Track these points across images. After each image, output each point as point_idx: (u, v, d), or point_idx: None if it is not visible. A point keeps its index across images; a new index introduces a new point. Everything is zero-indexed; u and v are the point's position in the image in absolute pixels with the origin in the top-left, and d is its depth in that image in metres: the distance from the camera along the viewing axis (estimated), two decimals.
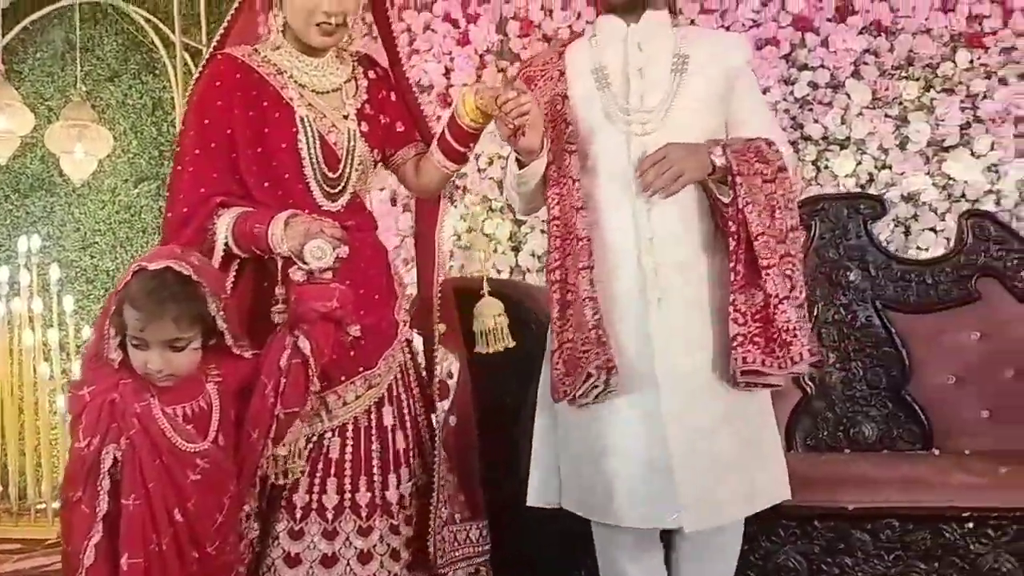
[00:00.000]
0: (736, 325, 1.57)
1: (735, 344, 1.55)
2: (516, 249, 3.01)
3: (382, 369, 1.67)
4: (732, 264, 1.59)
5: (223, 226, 1.56)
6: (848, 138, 2.77)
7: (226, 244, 1.56)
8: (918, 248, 2.68)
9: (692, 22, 2.83)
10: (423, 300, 1.83)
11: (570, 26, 2.99)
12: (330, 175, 1.65)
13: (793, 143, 2.79)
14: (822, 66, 2.79)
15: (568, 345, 1.61)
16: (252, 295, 1.62)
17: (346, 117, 1.68)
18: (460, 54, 3.05)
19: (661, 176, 1.58)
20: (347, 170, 1.67)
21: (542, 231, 2.94)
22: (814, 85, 2.80)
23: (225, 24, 1.71)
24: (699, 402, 1.57)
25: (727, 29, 2.83)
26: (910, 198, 2.72)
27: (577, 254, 1.64)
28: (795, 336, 1.51)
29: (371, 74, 1.75)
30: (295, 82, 1.65)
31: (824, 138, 2.80)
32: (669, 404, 1.55)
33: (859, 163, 2.77)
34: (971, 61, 2.68)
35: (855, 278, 2.25)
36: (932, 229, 2.69)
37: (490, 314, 1.75)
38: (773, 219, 1.58)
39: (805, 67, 2.81)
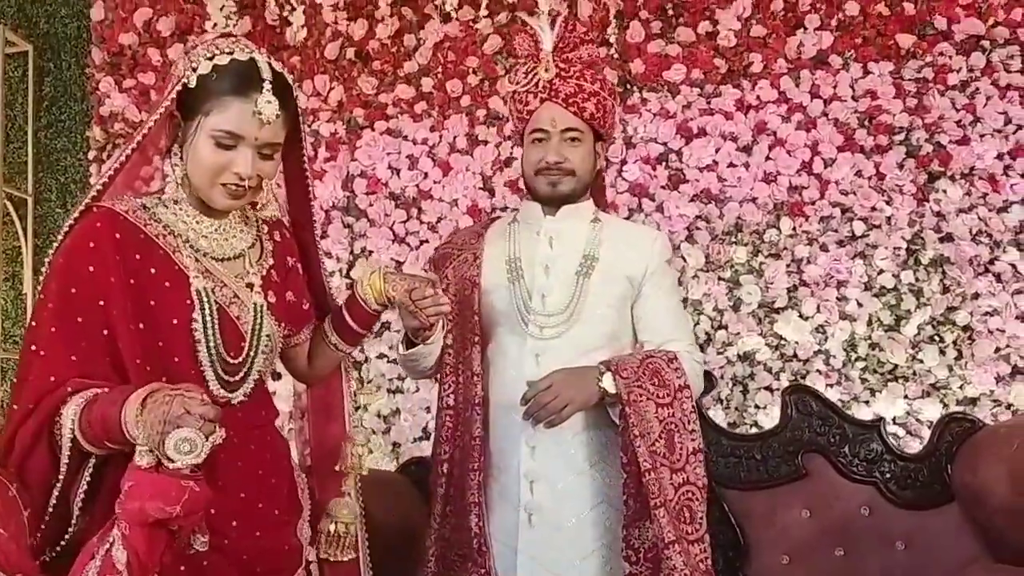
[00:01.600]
0: (628, 564, 1.53)
1: None
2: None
3: None
4: (624, 497, 1.55)
5: (69, 416, 1.21)
6: (686, 299, 2.84)
7: (73, 439, 1.21)
8: (756, 407, 2.75)
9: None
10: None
11: (417, 185, 2.99)
12: (230, 360, 1.36)
13: None
14: (658, 230, 2.88)
15: (443, 544, 1.53)
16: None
17: (251, 287, 1.41)
18: None
19: (545, 408, 1.55)
20: (252, 353, 1.39)
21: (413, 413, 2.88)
22: None
23: (112, 169, 1.39)
24: None
25: None
26: (745, 357, 2.81)
27: (468, 452, 1.59)
28: None
29: (276, 236, 1.50)
30: (190, 246, 1.38)
31: None
32: None
33: (697, 323, 2.84)
34: (794, 228, 2.82)
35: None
36: (768, 388, 2.77)
37: (346, 518, 1.50)
38: (671, 446, 1.53)
39: None
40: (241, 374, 1.38)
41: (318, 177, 3.02)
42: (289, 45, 3.11)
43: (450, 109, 3.00)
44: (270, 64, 1.35)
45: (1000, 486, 1.80)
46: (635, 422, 1.54)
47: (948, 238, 2.73)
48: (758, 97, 2.86)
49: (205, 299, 1.35)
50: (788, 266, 2.81)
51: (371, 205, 3.03)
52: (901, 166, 2.77)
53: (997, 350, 2.66)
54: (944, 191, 2.74)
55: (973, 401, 2.65)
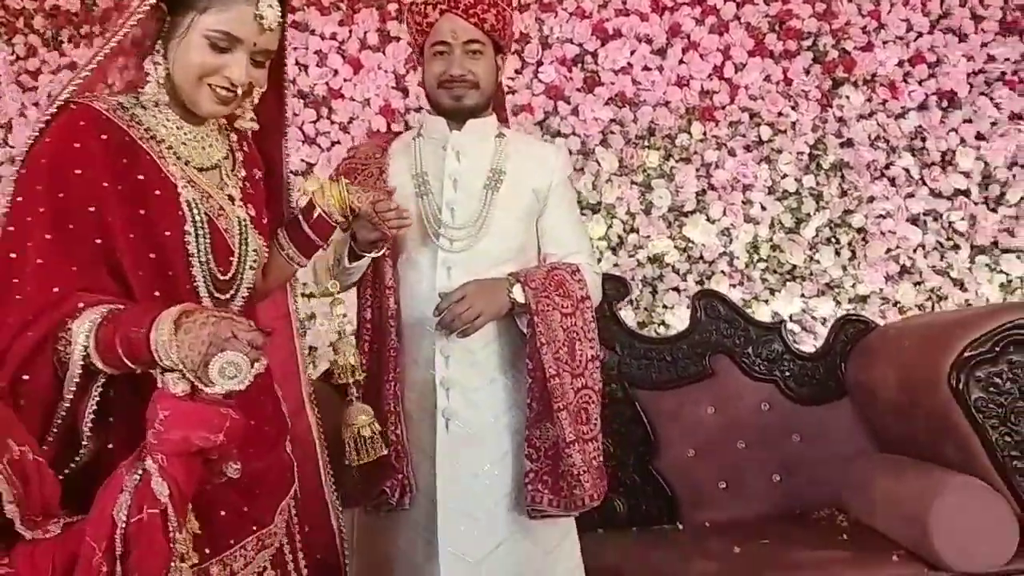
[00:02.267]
0: (529, 461, 1.62)
1: (527, 481, 1.61)
2: None
3: (278, 525, 1.33)
4: (528, 400, 1.62)
5: (82, 331, 1.10)
6: (599, 203, 2.88)
7: (85, 356, 1.10)
8: (664, 307, 2.86)
9: None
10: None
11: (327, 83, 2.87)
12: (220, 276, 1.28)
13: None
14: (573, 133, 2.88)
15: None
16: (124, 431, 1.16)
17: (232, 200, 1.32)
18: None
19: (459, 316, 1.59)
20: (241, 269, 1.31)
21: None
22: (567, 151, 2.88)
23: (93, 62, 1.24)
24: (481, 528, 1.62)
25: None
26: (655, 259, 2.89)
27: (384, 364, 1.62)
28: (579, 480, 1.57)
29: (244, 147, 1.41)
30: (173, 153, 1.26)
31: (578, 202, 2.89)
32: (449, 533, 1.60)
33: (610, 226, 2.89)
34: (704, 133, 2.87)
35: (602, 356, 2.36)
36: (675, 289, 2.87)
37: (364, 422, 1.50)
38: (573, 353, 1.62)
39: (558, 133, 2.88)
40: (232, 291, 1.31)
41: None
42: None
43: (360, 2, 2.86)
44: None
45: (888, 384, 1.96)
46: (542, 331, 1.61)
47: (848, 143, 2.84)
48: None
49: (196, 210, 1.25)
50: (698, 170, 2.87)
51: None
52: (807, 72, 2.84)
53: (888, 251, 2.82)
54: (847, 97, 2.83)
55: (864, 299, 2.83)
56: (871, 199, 2.83)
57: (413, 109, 2.86)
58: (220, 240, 1.28)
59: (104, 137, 1.20)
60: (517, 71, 2.87)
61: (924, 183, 2.83)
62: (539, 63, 2.87)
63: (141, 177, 1.22)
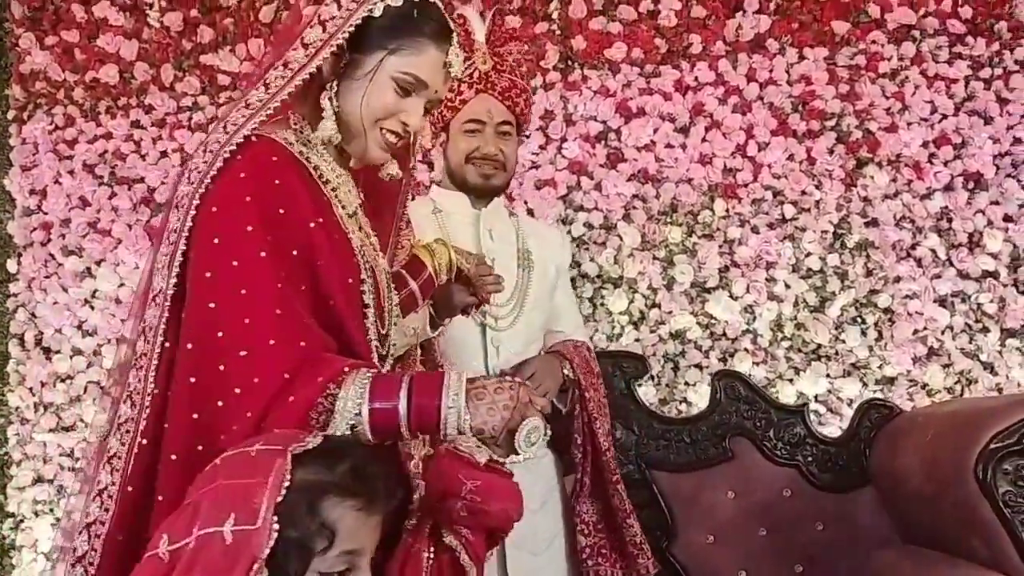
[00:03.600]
0: (583, 536, 1.62)
1: (584, 556, 1.61)
2: None
3: None
4: (579, 475, 1.64)
5: (351, 399, 1.02)
6: (621, 277, 2.88)
7: (353, 425, 1.02)
8: (686, 384, 2.82)
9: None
10: None
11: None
12: (381, 330, 1.22)
13: (572, 280, 2.88)
14: (596, 208, 2.90)
15: None
16: None
17: (375, 250, 1.26)
18: None
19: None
20: (392, 321, 1.26)
21: None
22: (589, 226, 2.89)
23: (278, 98, 1.15)
24: None
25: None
26: (677, 335, 2.86)
27: None
28: (642, 549, 1.58)
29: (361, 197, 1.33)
30: (336, 196, 1.21)
31: (599, 276, 2.90)
32: None
33: (631, 301, 2.88)
34: (727, 210, 2.87)
35: (620, 436, 2.32)
36: (697, 366, 2.83)
37: None
38: (610, 430, 1.64)
39: (581, 208, 2.90)
40: (387, 346, 1.25)
41: None
42: (222, 6, 2.97)
43: None
44: (453, 19, 1.25)
45: (913, 473, 1.89)
46: (593, 407, 1.62)
47: (873, 223, 2.81)
48: (696, 79, 2.88)
49: (363, 258, 1.19)
50: (720, 247, 2.86)
51: None
52: (831, 151, 2.84)
53: (915, 332, 2.77)
54: (871, 177, 2.82)
55: (891, 381, 2.77)
56: (897, 279, 2.79)
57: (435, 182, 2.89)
58: (377, 292, 1.21)
59: (294, 175, 1.13)
60: (541, 147, 2.91)
61: (951, 264, 2.79)
62: (563, 139, 2.91)
63: (321, 220, 1.14)
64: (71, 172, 2.99)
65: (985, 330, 2.78)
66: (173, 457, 1.03)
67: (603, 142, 2.91)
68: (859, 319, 2.80)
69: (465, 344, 1.69)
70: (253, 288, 1.05)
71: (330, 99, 1.19)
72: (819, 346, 2.80)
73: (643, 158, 2.88)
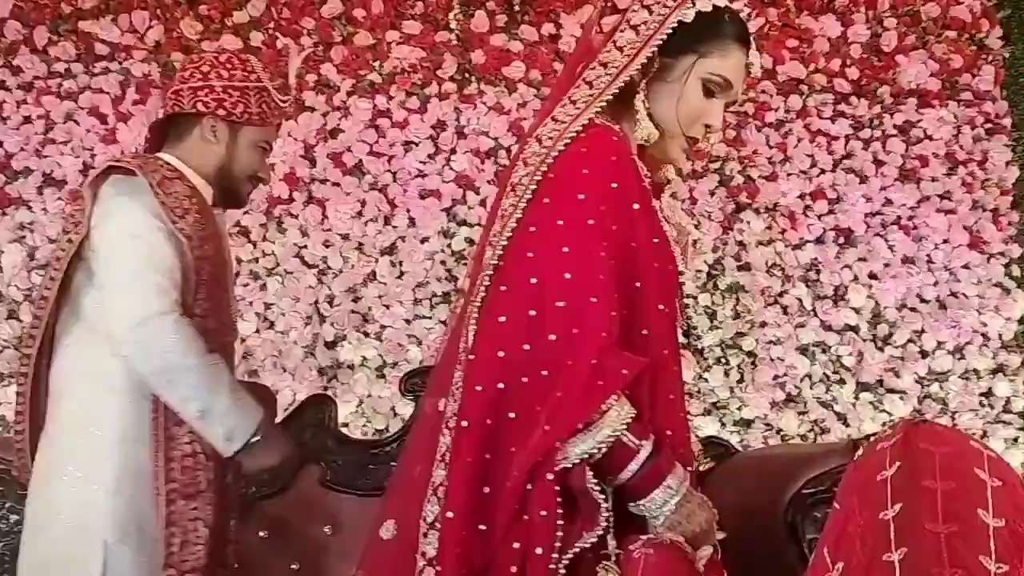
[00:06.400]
0: None
1: None
2: None
3: None
4: None
5: (607, 427, 1.11)
6: None
7: (599, 446, 1.11)
8: None
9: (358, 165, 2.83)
10: None
11: None
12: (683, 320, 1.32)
13: (446, 294, 2.85)
14: (480, 224, 2.87)
15: None
16: None
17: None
18: (103, 151, 2.77)
19: None
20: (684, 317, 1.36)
21: None
22: (471, 241, 2.86)
23: (609, 90, 1.23)
24: None
25: (394, 176, 2.85)
26: None
27: None
28: None
29: None
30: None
31: None
32: None
33: None
34: None
35: None
36: None
37: None
38: None
39: (464, 223, 2.87)
40: (688, 340, 1.35)
41: (123, 119, 2.80)
42: None
43: (278, 69, 2.86)
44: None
45: (735, 514, 1.91)
46: None
47: (746, 267, 2.87)
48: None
49: (680, 265, 1.28)
50: None
51: None
52: (712, 193, 2.89)
53: (775, 377, 2.83)
54: (748, 222, 2.87)
55: (748, 423, 2.82)
56: (763, 324, 2.85)
57: (318, 180, 2.83)
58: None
59: (632, 167, 1.22)
60: (430, 156, 2.87)
61: (816, 315, 2.87)
62: (453, 151, 2.88)
63: (640, 206, 1.22)
64: None
65: (842, 381, 2.85)
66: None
67: (493, 159, 2.90)
68: (723, 360, 2.84)
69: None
70: (577, 249, 1.14)
71: (643, 101, 1.25)
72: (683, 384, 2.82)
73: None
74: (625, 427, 1.12)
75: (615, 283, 1.16)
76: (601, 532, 1.12)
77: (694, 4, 1.25)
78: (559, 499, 1.10)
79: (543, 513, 1.09)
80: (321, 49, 2.87)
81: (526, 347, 1.12)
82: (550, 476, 1.09)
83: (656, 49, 1.25)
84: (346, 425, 2.61)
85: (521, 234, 1.18)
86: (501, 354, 1.12)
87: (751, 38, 1.32)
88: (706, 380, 2.82)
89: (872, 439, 1.08)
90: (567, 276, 1.13)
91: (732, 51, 1.27)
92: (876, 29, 2.97)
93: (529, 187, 1.20)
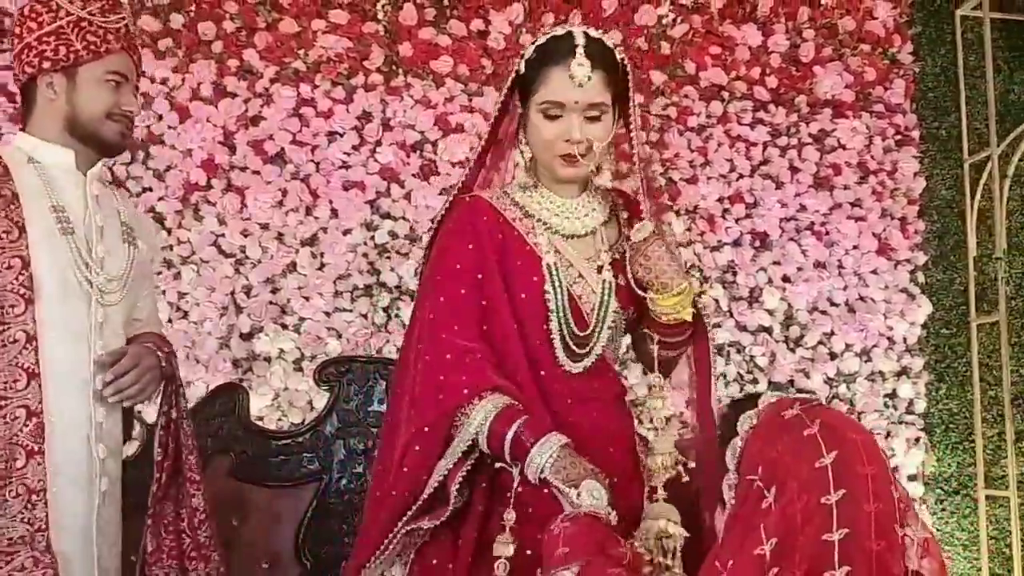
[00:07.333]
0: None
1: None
2: None
3: None
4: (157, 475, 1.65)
5: (480, 413, 1.35)
6: None
7: (474, 436, 1.35)
8: None
9: (280, 154, 2.78)
10: None
11: (148, 126, 2.75)
12: (578, 332, 1.48)
13: (368, 287, 2.81)
14: (403, 217, 2.86)
15: None
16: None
17: (600, 269, 1.51)
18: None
19: (134, 386, 1.56)
20: (597, 328, 1.50)
21: None
22: (394, 235, 2.84)
23: (472, 163, 1.59)
24: None
25: (317, 166, 2.80)
26: None
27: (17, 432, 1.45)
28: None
29: (624, 214, 1.62)
30: (544, 224, 1.50)
31: (398, 287, 2.85)
32: None
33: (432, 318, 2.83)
34: None
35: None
36: None
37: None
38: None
39: (388, 216, 2.85)
40: (587, 348, 1.48)
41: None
42: None
43: (198, 52, 2.79)
44: (585, 32, 1.43)
45: None
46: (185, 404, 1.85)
47: None
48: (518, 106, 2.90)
49: (555, 273, 1.47)
50: None
51: None
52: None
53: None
54: (669, 224, 2.92)
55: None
56: None
57: (238, 167, 2.77)
58: (574, 303, 1.48)
59: (485, 218, 1.49)
60: (355, 147, 2.84)
61: (732, 315, 2.94)
62: (378, 143, 2.85)
63: (510, 251, 1.48)
64: None
65: (755, 381, 2.93)
66: None
67: (419, 152, 2.88)
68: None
69: (72, 318, 1.55)
70: (434, 306, 1.46)
71: (520, 151, 1.54)
72: None
73: (456, 174, 2.86)
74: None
75: (476, 318, 1.47)
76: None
77: (523, 59, 1.48)
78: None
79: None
80: (244, 35, 2.81)
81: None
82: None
83: (518, 106, 1.52)
84: (261, 419, 2.56)
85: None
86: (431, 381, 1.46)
87: (576, 46, 1.41)
88: (625, 378, 2.85)
89: (764, 408, 1.27)
90: (434, 316, 1.50)
91: (549, 74, 1.43)
92: (795, 40, 3.06)
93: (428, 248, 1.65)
